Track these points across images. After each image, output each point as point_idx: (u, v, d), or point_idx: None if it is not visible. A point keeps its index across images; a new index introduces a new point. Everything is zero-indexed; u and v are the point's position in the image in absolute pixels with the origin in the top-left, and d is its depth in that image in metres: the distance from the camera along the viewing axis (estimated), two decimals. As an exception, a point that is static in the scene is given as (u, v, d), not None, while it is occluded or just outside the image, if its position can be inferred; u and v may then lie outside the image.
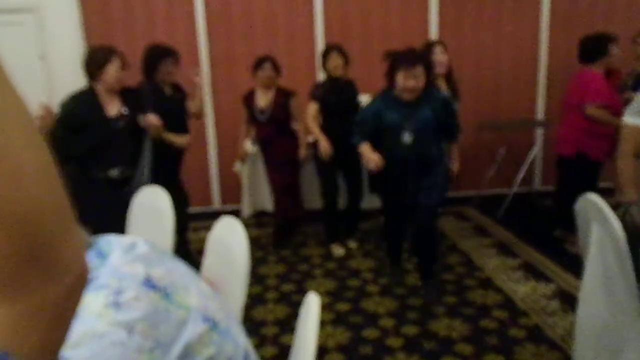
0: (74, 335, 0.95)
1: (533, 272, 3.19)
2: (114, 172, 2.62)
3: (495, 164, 4.59)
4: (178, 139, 2.93)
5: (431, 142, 2.79)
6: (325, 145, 3.39)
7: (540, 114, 4.87)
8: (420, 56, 2.75)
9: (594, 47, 3.32)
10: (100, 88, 2.62)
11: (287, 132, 3.63)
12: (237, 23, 4.53)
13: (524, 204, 4.55)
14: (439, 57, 3.37)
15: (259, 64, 3.56)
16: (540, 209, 4.47)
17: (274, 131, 3.57)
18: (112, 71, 2.58)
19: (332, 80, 3.49)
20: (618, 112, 3.13)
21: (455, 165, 3.13)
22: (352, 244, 3.71)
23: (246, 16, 4.53)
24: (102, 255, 1.09)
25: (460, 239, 3.79)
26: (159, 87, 3.09)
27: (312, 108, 3.49)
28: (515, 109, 4.88)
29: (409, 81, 2.66)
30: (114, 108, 2.66)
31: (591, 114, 3.21)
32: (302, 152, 3.60)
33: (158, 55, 3.10)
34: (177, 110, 3.15)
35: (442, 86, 3.40)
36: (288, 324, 2.63)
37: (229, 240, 1.67)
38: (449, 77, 3.49)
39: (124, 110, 2.67)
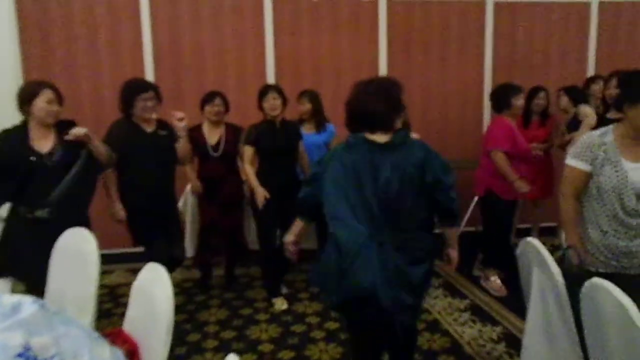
0: None
1: (480, 313, 3.17)
2: (42, 213, 2.43)
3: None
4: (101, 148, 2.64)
5: None
6: (260, 193, 3.17)
7: (485, 155, 4.99)
8: None
9: (498, 99, 3.56)
10: (32, 123, 2.49)
11: (236, 170, 3.52)
12: (186, 58, 4.45)
13: (471, 243, 4.57)
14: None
15: (208, 98, 3.46)
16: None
17: (224, 169, 3.44)
18: (40, 104, 2.46)
19: (267, 122, 3.30)
20: (525, 156, 3.54)
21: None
22: (283, 289, 3.52)
23: (195, 51, 4.46)
24: None
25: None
26: (133, 124, 2.92)
27: (247, 153, 3.26)
28: (461, 147, 4.99)
29: None
30: (46, 144, 2.51)
31: (495, 159, 3.43)
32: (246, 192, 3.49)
33: (134, 91, 2.91)
34: (161, 148, 2.95)
35: None
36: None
37: (152, 290, 1.54)
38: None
39: (58, 146, 2.52)
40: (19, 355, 0.87)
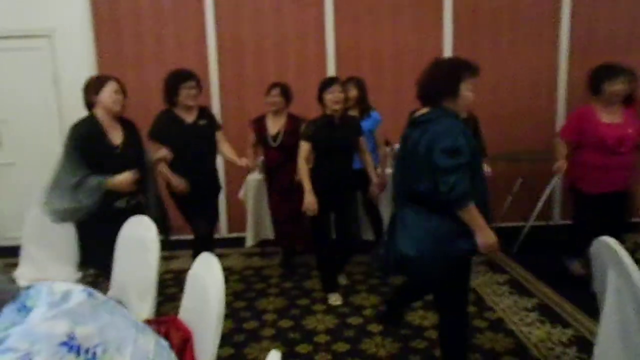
0: None
1: (549, 314, 2.97)
2: (121, 203, 2.57)
3: (511, 196, 4.40)
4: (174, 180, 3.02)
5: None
6: (310, 201, 3.02)
7: (559, 145, 4.67)
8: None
9: (590, 82, 3.25)
10: (100, 115, 2.58)
11: (295, 159, 3.49)
12: (248, 49, 4.51)
13: (541, 238, 4.32)
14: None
15: (267, 89, 3.56)
16: (558, 244, 4.23)
17: (283, 157, 3.51)
18: (108, 92, 2.55)
19: (326, 117, 3.10)
20: (602, 146, 3.15)
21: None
22: (342, 280, 3.51)
23: (257, 42, 4.51)
24: (25, 310, 0.97)
25: (471, 275, 3.58)
26: (176, 116, 3.12)
27: (303, 148, 3.09)
28: (533, 139, 4.70)
29: (471, 93, 2.09)
30: (117, 136, 2.62)
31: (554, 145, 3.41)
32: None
33: (178, 80, 3.09)
34: (199, 137, 3.15)
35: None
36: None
37: (205, 279, 1.56)
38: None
39: (128, 137, 2.64)
40: (63, 344, 0.89)
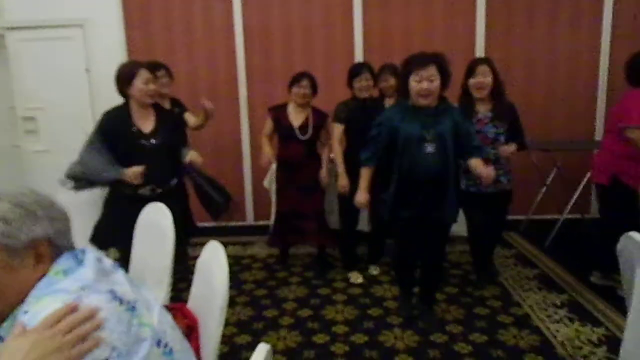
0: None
1: (579, 312, 2.84)
2: (145, 191, 2.59)
3: (545, 186, 4.23)
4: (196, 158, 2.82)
5: (451, 156, 2.48)
6: (343, 182, 3.20)
7: (598, 135, 4.45)
8: (432, 56, 2.44)
9: (637, 69, 2.91)
10: (133, 104, 2.60)
11: (316, 154, 3.44)
12: (275, 37, 4.49)
13: (576, 232, 4.14)
14: (480, 79, 2.96)
15: (296, 79, 3.35)
16: (593, 238, 4.05)
17: (306, 152, 3.37)
18: (139, 85, 2.54)
19: (357, 100, 3.24)
20: None
21: (483, 170, 2.51)
22: (374, 270, 3.48)
23: (284, 30, 4.47)
24: (78, 260, 1.06)
25: (500, 268, 3.48)
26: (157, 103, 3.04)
27: (337, 131, 3.27)
28: (569, 128, 4.50)
29: (422, 83, 2.38)
30: (148, 124, 2.62)
31: (632, 136, 2.80)
32: (325, 176, 3.42)
33: (150, 70, 3.06)
34: (179, 125, 3.19)
35: (483, 108, 3.02)
36: (298, 355, 2.47)
37: (211, 268, 1.55)
38: (495, 98, 3.03)
39: (158, 126, 2.63)
40: (110, 291, 0.98)
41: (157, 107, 2.71)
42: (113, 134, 2.54)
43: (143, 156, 2.55)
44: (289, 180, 3.41)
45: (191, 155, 2.74)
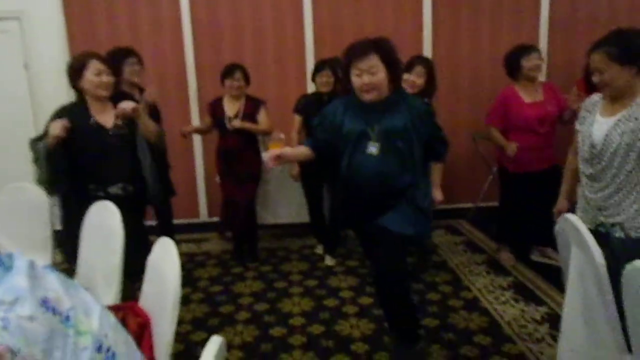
0: None
1: (523, 292, 2.99)
2: (116, 189, 2.36)
3: (491, 175, 4.40)
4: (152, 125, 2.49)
5: (404, 157, 2.09)
6: (293, 172, 3.51)
7: (539, 125, 4.66)
8: (372, 44, 2.05)
9: (508, 65, 3.28)
10: (88, 98, 2.36)
11: (253, 144, 3.55)
12: (225, 32, 4.42)
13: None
14: (413, 77, 3.12)
15: (228, 72, 3.42)
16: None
17: (241, 142, 3.45)
18: (89, 77, 2.30)
19: (316, 94, 3.43)
20: (527, 127, 3.19)
21: (437, 194, 2.46)
22: (330, 261, 3.54)
23: (234, 26, 4.42)
24: (4, 267, 1.00)
25: (450, 255, 3.61)
26: (125, 92, 2.95)
27: (296, 121, 3.48)
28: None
29: (362, 77, 2.03)
30: (108, 118, 2.37)
31: (488, 133, 3.37)
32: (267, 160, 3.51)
33: (121, 56, 3.03)
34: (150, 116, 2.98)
35: None
36: (255, 349, 2.47)
37: (162, 265, 1.53)
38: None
39: (119, 120, 2.38)
40: (43, 302, 0.94)
41: (117, 100, 2.42)
42: (73, 130, 2.28)
43: (107, 153, 2.34)
44: (229, 170, 3.53)
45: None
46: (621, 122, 1.91)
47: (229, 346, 2.50)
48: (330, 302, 2.95)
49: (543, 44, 4.56)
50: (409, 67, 3.13)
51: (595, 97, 2.09)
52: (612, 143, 1.95)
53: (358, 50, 2.04)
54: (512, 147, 3.16)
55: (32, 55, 4.28)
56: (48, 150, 2.26)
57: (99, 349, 0.99)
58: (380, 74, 2.03)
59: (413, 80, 3.12)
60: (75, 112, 2.34)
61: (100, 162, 2.33)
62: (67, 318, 0.95)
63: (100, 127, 2.35)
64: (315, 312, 2.84)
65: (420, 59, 3.27)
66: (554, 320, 2.64)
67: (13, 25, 4.23)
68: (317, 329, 2.65)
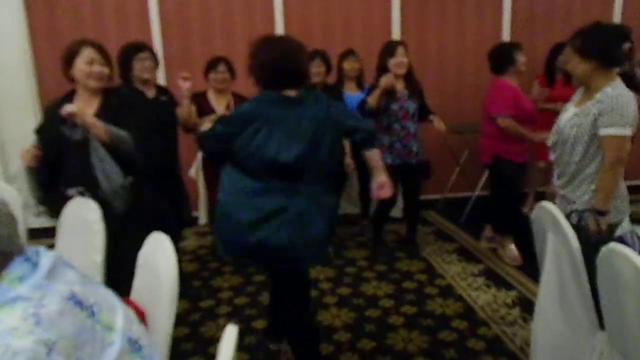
0: None
1: (494, 278, 3.13)
2: (72, 192, 2.16)
3: (458, 167, 4.55)
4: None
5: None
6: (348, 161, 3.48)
7: (503, 117, 4.84)
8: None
9: (501, 58, 3.33)
10: (78, 90, 2.19)
11: None
12: (193, 23, 4.36)
13: (487, 207, 4.49)
14: (401, 58, 3.29)
15: (212, 65, 3.33)
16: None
17: None
18: (79, 65, 2.13)
19: (309, 87, 3.31)
20: (531, 118, 3.32)
21: (379, 179, 2.09)
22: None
23: (202, 16, 4.36)
24: (32, 263, 0.99)
25: (422, 245, 3.71)
26: (137, 89, 2.87)
27: None
28: (478, 111, 4.83)
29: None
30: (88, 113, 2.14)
31: (503, 125, 3.25)
32: None
33: (131, 52, 2.89)
34: (160, 115, 2.89)
35: (400, 86, 3.33)
36: (239, 341, 2.48)
37: (156, 260, 1.52)
38: (408, 78, 3.40)
39: (101, 115, 2.15)
40: (70, 297, 0.93)
41: (110, 93, 2.25)
42: (45, 126, 2.17)
43: (68, 152, 2.12)
44: (214, 166, 3.34)
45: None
46: (577, 115, 2.05)
47: (213, 340, 2.51)
48: (311, 294, 2.98)
49: (506, 36, 4.73)
50: (389, 53, 3.29)
51: (582, 88, 2.20)
52: (565, 133, 2.09)
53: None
54: (542, 136, 2.98)
55: (-9, 49, 4.08)
56: (27, 170, 2.16)
57: (128, 341, 1.00)
58: None
59: (401, 60, 3.29)
60: (53, 107, 2.19)
61: (62, 165, 2.18)
62: (93, 313, 0.95)
63: (62, 122, 2.11)
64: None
65: (397, 42, 3.43)
66: (524, 304, 2.77)
67: (-33, 15, 4.02)
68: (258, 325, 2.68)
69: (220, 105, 3.35)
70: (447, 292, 2.96)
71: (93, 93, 2.19)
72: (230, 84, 3.38)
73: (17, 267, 0.96)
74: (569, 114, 2.15)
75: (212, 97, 3.37)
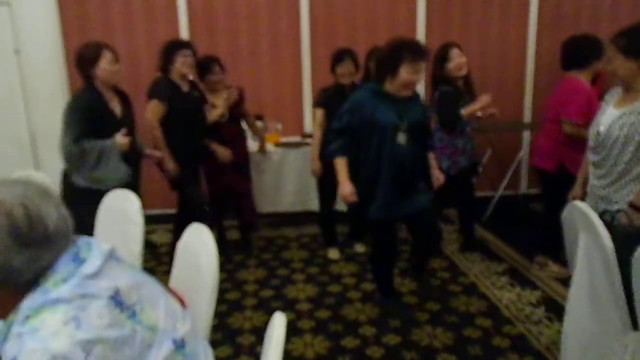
0: (25, 353, 0.84)
1: (518, 278, 3.13)
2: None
3: (481, 166, 4.53)
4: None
5: (423, 145, 2.55)
6: (315, 167, 3.31)
7: (527, 117, 4.82)
8: (427, 51, 2.42)
9: (585, 51, 2.94)
10: (98, 85, 2.61)
11: (242, 133, 3.59)
12: (220, 20, 4.41)
13: (510, 207, 4.49)
14: (459, 59, 3.21)
15: (206, 67, 3.34)
16: (526, 212, 4.42)
17: (236, 131, 3.50)
18: (104, 66, 2.57)
19: (337, 86, 3.27)
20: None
21: (440, 176, 2.72)
22: (360, 248, 3.60)
23: (229, 13, 4.41)
24: (79, 261, 0.99)
25: (444, 243, 3.72)
26: (174, 83, 3.03)
27: (318, 115, 3.31)
28: (501, 111, 4.81)
29: (414, 75, 2.36)
30: (117, 106, 2.68)
31: (568, 132, 2.89)
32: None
33: (175, 47, 3.04)
34: (193, 109, 3.12)
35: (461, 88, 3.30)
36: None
37: (197, 250, 1.57)
38: (467, 79, 3.33)
39: (125, 108, 2.73)
40: (111, 297, 0.95)
41: (116, 90, 2.73)
42: (93, 117, 2.54)
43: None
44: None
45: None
46: (625, 115, 2.02)
47: (240, 331, 2.56)
48: (334, 288, 3.03)
49: (532, 35, 4.69)
50: (443, 58, 3.21)
51: (618, 89, 2.15)
52: (612, 134, 2.06)
53: (422, 53, 2.36)
54: None
55: (23, 41, 4.19)
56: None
57: (173, 341, 1.01)
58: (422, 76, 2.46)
59: (461, 61, 3.22)
60: (93, 99, 2.57)
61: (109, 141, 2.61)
62: (134, 313, 0.95)
63: (113, 115, 2.62)
64: (320, 297, 2.91)
65: (450, 44, 3.30)
66: (549, 303, 2.77)
67: (2, 10, 4.13)
68: (324, 313, 2.73)
69: (218, 101, 3.36)
70: (471, 289, 2.97)
71: (110, 90, 2.65)
72: (224, 82, 3.43)
73: (62, 268, 0.94)
74: (612, 115, 2.09)
75: (208, 96, 3.38)
